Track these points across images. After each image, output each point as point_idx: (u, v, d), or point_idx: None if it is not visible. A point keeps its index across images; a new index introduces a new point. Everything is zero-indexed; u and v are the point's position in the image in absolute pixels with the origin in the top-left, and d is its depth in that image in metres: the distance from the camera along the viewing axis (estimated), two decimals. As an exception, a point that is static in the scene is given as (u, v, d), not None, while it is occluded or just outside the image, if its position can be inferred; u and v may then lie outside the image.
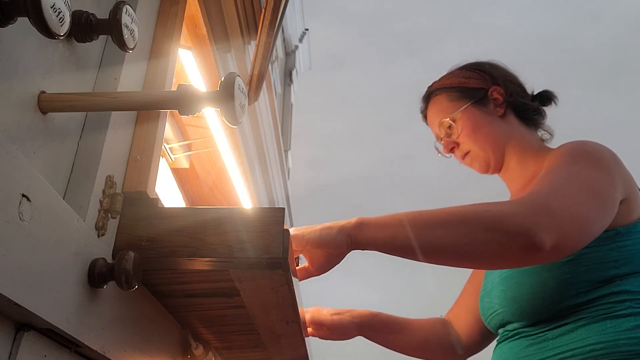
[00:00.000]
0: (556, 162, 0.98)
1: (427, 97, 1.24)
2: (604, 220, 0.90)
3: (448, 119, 1.16)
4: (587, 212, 0.87)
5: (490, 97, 1.15)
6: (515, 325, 1.02)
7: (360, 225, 0.87)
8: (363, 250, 0.88)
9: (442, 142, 1.19)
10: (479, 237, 0.83)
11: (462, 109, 1.15)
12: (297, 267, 0.96)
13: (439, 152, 1.24)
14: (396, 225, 0.85)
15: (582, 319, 0.92)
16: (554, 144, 1.19)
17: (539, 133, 1.18)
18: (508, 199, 1.20)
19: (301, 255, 0.94)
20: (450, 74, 1.22)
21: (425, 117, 1.26)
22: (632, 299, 0.92)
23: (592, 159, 0.96)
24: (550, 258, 0.85)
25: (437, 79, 1.26)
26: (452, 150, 1.18)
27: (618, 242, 0.94)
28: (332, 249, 0.87)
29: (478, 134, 1.13)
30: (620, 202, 0.95)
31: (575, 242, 0.85)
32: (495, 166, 1.15)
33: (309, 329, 1.12)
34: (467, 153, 1.16)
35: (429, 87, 1.24)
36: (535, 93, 1.19)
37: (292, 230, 0.89)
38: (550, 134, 1.19)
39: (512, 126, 1.15)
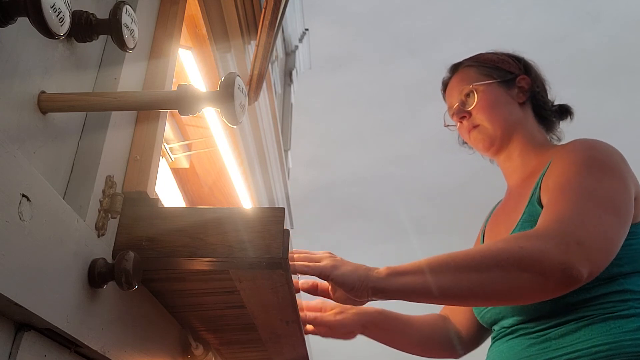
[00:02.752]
0: (568, 175, 0.97)
1: (455, 68, 1.25)
2: (626, 232, 0.92)
3: (471, 86, 1.16)
4: (613, 232, 0.89)
5: (517, 84, 1.17)
6: (511, 321, 1.01)
7: (390, 275, 0.87)
8: (389, 299, 0.89)
9: (455, 111, 1.19)
10: (515, 279, 0.84)
11: (487, 82, 1.16)
12: (318, 283, 0.95)
13: (445, 124, 1.24)
14: (427, 272, 0.86)
15: (585, 318, 0.92)
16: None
17: (548, 136, 1.19)
18: (506, 193, 1.20)
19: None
20: (485, 53, 1.24)
21: (445, 87, 1.26)
22: (635, 298, 0.92)
23: (605, 167, 0.96)
24: (583, 284, 0.86)
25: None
26: (462, 119, 1.18)
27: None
28: (352, 295, 0.88)
29: (494, 110, 1.14)
30: None
31: (605, 264, 0.88)
32: (499, 147, 1.16)
33: (309, 327, 1.11)
34: (476, 126, 1.16)
35: (463, 60, 1.25)
36: (555, 103, 1.21)
37: (327, 259, 0.90)
38: (558, 138, 1.20)
39: (526, 116, 1.16)
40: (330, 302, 1.13)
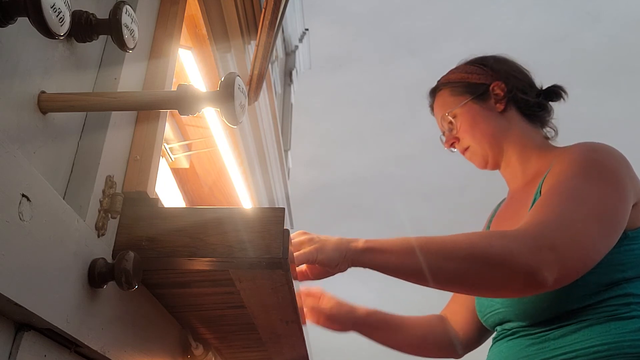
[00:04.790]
0: (565, 175, 0.96)
1: (433, 92, 1.25)
2: (608, 245, 0.90)
3: (447, 114, 1.17)
4: (592, 243, 0.87)
5: (492, 93, 1.15)
6: (514, 324, 1.01)
7: (366, 251, 0.89)
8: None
9: (445, 139, 1.21)
10: (483, 273, 0.85)
11: (461, 104, 1.15)
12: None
13: (444, 145, 1.25)
14: (402, 253, 0.88)
15: (586, 320, 0.92)
16: (556, 144, 1.18)
17: (543, 130, 1.16)
18: (508, 195, 1.20)
19: None
20: (455, 69, 1.22)
21: (433, 110, 1.27)
22: (637, 302, 0.91)
23: (603, 173, 0.94)
24: (553, 289, 0.87)
25: (438, 77, 1.27)
26: (452, 145, 1.19)
27: (625, 246, 0.93)
28: (335, 271, 0.92)
29: (475, 130, 1.14)
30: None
31: (577, 274, 0.87)
32: (494, 162, 1.16)
33: (309, 319, 1.15)
34: (466, 148, 1.17)
35: (437, 81, 1.25)
36: (543, 88, 1.17)
37: (306, 243, 0.91)
38: (554, 130, 1.17)
39: (511, 122, 1.14)
40: (327, 295, 1.19)
